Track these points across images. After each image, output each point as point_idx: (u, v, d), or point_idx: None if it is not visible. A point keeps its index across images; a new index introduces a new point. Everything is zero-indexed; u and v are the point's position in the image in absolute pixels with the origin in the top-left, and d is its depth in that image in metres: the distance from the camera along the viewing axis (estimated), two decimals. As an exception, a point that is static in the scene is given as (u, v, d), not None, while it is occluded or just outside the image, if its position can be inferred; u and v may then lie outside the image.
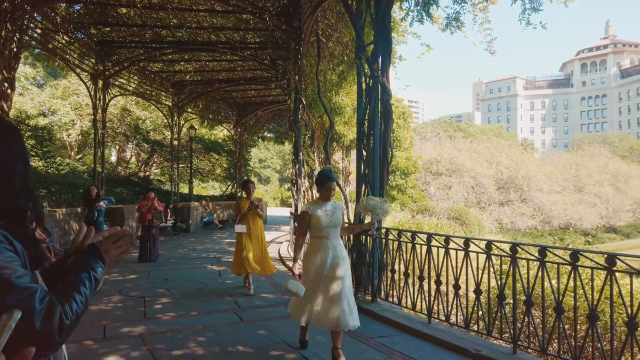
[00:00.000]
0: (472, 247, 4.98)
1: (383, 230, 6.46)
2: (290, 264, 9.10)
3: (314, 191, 13.11)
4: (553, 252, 4.35)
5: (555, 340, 4.35)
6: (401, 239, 6.11)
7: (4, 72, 8.86)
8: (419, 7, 7.89)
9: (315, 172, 14.04)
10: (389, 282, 6.38)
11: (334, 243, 4.48)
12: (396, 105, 31.29)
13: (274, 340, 5.04)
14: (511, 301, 4.72)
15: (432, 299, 5.49)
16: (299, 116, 11.09)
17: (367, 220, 5.76)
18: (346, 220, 5.98)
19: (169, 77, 18.64)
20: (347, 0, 7.23)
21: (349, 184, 25.64)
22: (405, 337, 5.20)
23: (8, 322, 1.08)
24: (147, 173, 29.19)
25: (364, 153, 6.93)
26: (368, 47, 6.90)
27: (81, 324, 5.46)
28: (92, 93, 14.55)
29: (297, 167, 11.20)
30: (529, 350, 4.54)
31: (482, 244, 4.84)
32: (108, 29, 13.61)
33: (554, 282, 4.41)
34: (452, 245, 5.22)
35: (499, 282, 4.75)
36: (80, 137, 25.47)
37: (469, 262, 5.02)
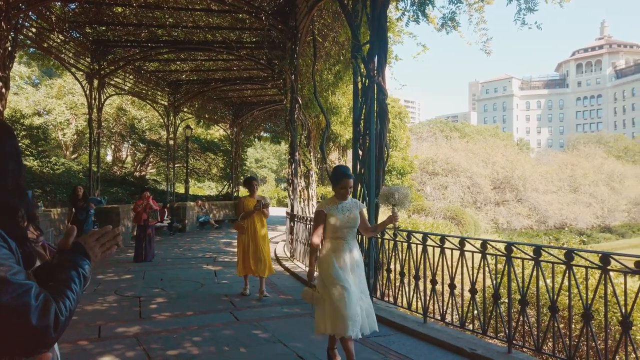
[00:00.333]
0: (468, 247, 4.99)
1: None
2: (288, 264, 8.98)
3: (310, 191, 13.12)
4: (548, 251, 4.36)
5: (550, 340, 4.36)
6: (397, 239, 6.12)
7: (-1, 71, 8.83)
8: (414, 7, 7.92)
9: (312, 172, 14.04)
10: (384, 281, 6.40)
11: (350, 245, 4.11)
12: (392, 105, 31.35)
13: (270, 340, 5.04)
14: (506, 300, 4.73)
15: (428, 298, 5.50)
16: (295, 116, 11.09)
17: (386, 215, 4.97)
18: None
19: (165, 76, 18.59)
20: (343, 0, 7.23)
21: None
22: (401, 336, 5.20)
23: None
24: (143, 173, 29.11)
25: (360, 153, 6.94)
26: (364, 47, 6.90)
27: (76, 323, 5.41)
28: (88, 92, 14.49)
29: (293, 166, 11.20)
30: (524, 350, 4.56)
31: (478, 244, 4.85)
32: (103, 28, 13.56)
33: (548, 281, 4.43)
34: (447, 244, 5.23)
35: (494, 282, 4.77)
36: (75, 136, 25.37)
37: (464, 262, 5.04)
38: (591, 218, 42.10)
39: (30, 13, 10.85)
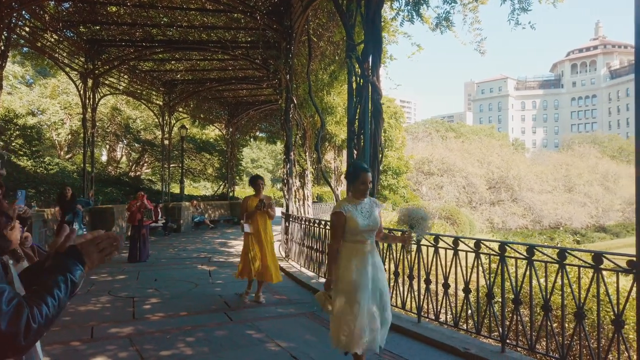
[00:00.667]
0: (461, 246, 4.99)
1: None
2: (283, 264, 8.89)
3: (305, 191, 13.10)
4: (541, 250, 4.37)
5: (544, 339, 4.37)
6: (391, 238, 6.11)
7: (-9, 70, 8.78)
8: (409, 7, 7.92)
9: (307, 172, 14.03)
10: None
11: (370, 249, 3.71)
12: (388, 105, 31.41)
13: (264, 340, 5.03)
14: (500, 300, 4.73)
15: (422, 298, 5.50)
16: (290, 115, 11.08)
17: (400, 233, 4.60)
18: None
19: (160, 76, 18.53)
20: (337, 0, 7.22)
21: (341, 184, 25.69)
22: (394, 336, 5.19)
23: None
24: (138, 173, 29.02)
25: (355, 152, 6.93)
26: (358, 47, 6.89)
27: (68, 324, 5.36)
28: (82, 92, 14.43)
29: (288, 166, 11.19)
30: (518, 349, 4.56)
31: (471, 243, 4.86)
32: (98, 27, 13.51)
33: (542, 280, 4.44)
34: (441, 244, 5.23)
35: (488, 281, 4.78)
36: (69, 136, 25.27)
37: (458, 261, 5.04)
38: (586, 218, 42.34)
39: (23, 12, 10.79)
